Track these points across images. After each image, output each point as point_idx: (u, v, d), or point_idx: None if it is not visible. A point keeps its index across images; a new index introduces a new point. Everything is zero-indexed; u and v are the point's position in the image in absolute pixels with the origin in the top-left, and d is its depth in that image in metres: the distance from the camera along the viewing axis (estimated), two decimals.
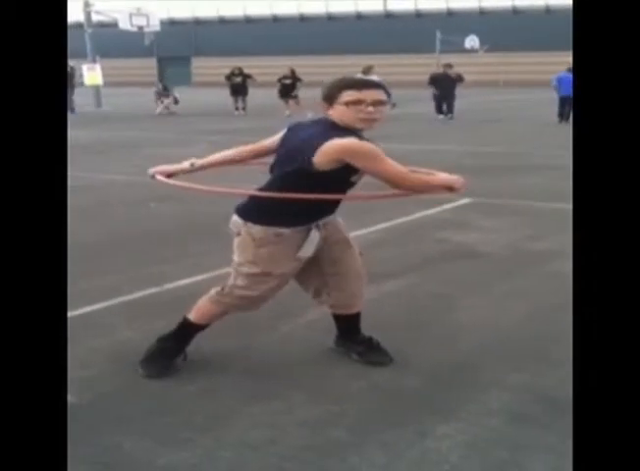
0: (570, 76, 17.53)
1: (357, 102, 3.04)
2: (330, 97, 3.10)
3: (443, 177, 3.16)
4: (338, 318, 3.59)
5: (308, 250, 3.24)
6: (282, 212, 3.16)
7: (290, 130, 3.28)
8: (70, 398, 3.14)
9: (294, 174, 3.05)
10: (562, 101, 17.90)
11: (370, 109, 3.05)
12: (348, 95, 3.05)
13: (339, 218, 3.42)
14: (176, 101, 22.40)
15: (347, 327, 3.61)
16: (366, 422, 3.00)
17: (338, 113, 3.08)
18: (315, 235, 3.24)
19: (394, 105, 15.81)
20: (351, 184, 3.17)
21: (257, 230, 3.18)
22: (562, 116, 17.86)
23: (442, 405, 3.14)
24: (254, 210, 3.22)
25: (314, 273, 3.39)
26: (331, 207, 3.29)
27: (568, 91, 17.28)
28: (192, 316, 3.42)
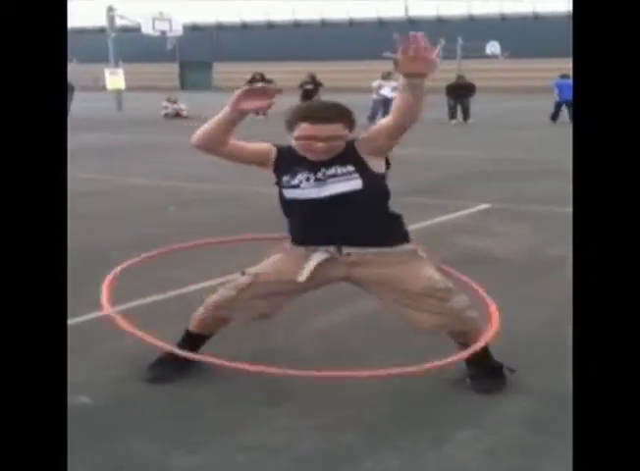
0: (567, 81, 18.93)
1: (309, 138, 2.96)
2: (289, 125, 3.02)
3: None
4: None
5: (302, 275, 3.13)
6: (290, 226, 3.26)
7: None
8: (86, 400, 3.15)
9: None
10: (559, 106, 19.47)
11: (320, 145, 2.96)
12: (302, 130, 2.96)
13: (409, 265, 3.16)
14: (181, 111, 23.03)
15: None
16: (382, 427, 2.98)
17: (295, 145, 3.05)
18: (312, 263, 3.13)
19: None
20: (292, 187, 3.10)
21: None
22: (555, 119, 19.48)
23: (460, 411, 3.12)
24: None
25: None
26: (321, 229, 3.13)
27: (568, 96, 18.42)
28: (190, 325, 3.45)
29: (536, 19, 44.98)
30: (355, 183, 3.02)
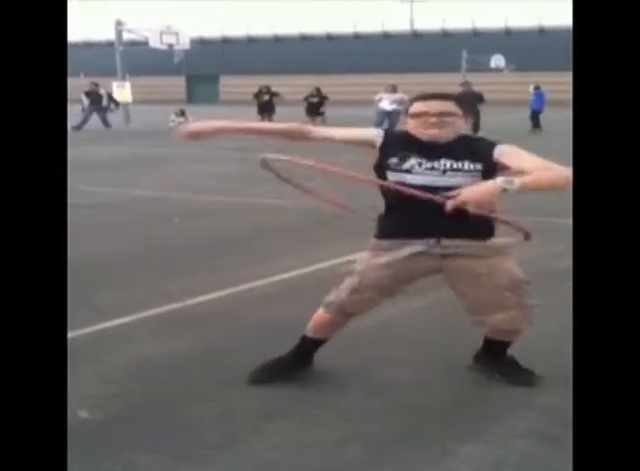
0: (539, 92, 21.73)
1: (422, 114, 3.12)
2: (406, 111, 3.23)
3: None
4: (488, 341, 3.51)
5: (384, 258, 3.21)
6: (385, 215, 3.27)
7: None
8: (89, 414, 3.13)
9: None
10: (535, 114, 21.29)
11: (433, 120, 3.09)
12: (414, 108, 3.16)
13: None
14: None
15: (496, 350, 3.53)
16: (386, 442, 2.95)
17: (409, 125, 3.18)
18: (407, 250, 3.16)
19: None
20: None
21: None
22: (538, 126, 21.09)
23: (466, 426, 3.08)
24: None
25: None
26: (419, 224, 3.14)
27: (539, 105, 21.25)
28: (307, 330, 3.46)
29: (541, 32, 45.07)
30: (475, 181, 3.04)
